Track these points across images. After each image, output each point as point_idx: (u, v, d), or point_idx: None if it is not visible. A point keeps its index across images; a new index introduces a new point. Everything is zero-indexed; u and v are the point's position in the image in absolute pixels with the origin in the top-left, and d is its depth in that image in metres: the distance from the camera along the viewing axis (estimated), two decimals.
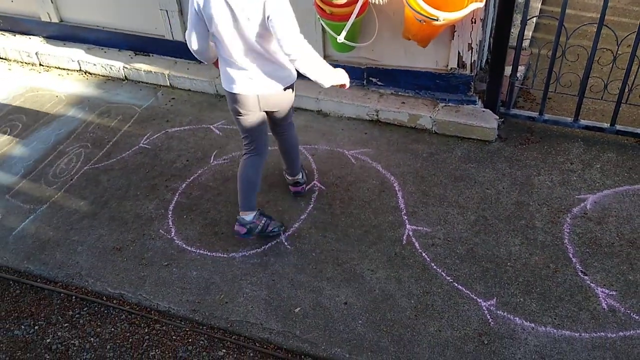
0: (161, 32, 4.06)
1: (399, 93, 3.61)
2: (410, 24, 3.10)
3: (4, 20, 4.49)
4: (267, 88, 2.58)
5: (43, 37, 4.43)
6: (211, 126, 3.69)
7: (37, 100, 4.02)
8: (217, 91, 3.94)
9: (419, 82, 3.52)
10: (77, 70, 4.27)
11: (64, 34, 4.35)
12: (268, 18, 2.30)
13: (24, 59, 4.37)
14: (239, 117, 2.67)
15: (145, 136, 3.64)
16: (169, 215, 3.09)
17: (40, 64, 4.36)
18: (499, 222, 2.89)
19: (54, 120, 3.83)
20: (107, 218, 3.10)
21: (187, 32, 2.49)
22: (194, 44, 2.49)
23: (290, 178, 3.09)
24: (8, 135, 3.72)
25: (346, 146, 3.44)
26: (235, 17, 2.31)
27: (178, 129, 3.69)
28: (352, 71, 3.64)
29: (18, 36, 4.49)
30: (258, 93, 2.58)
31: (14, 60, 4.42)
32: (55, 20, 4.29)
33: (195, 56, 2.57)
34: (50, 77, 4.24)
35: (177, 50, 4.06)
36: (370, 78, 3.63)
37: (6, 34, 4.52)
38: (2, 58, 4.45)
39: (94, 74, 4.23)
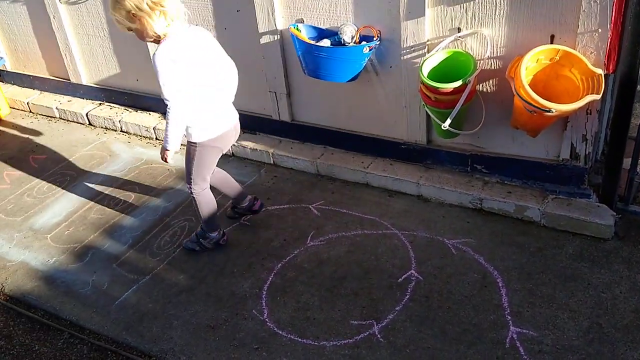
0: (269, 113, 4.21)
1: (505, 182, 3.46)
2: (519, 113, 3.00)
3: (129, 97, 4.87)
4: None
5: (161, 113, 4.73)
6: (310, 206, 3.71)
7: (151, 173, 4.25)
8: (317, 171, 3.98)
9: (527, 172, 3.37)
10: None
11: None
12: None
13: (143, 132, 4.68)
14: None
15: None
16: (263, 295, 3.08)
17: (156, 138, 4.64)
18: (615, 331, 2.61)
19: (164, 193, 4.01)
20: (203, 294, 3.14)
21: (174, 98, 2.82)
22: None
23: (244, 205, 3.54)
24: (121, 205, 3.94)
25: (447, 235, 3.31)
26: None
27: (278, 207, 3.74)
28: (455, 157, 3.56)
29: (140, 112, 4.83)
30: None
31: (134, 134, 4.74)
32: None
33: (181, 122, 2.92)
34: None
35: (282, 129, 4.18)
36: (475, 165, 3.52)
37: (130, 109, 4.88)
38: (123, 131, 4.79)
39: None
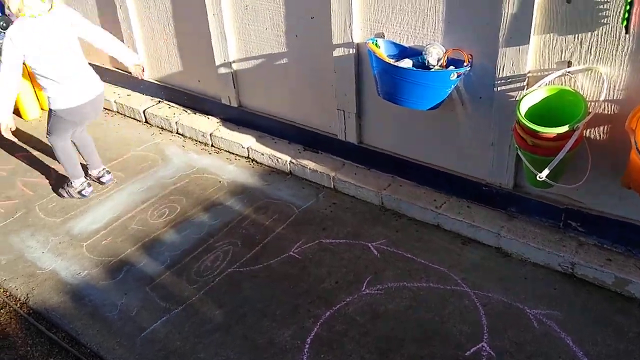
0: (334, 131, 3.80)
1: (605, 246, 2.92)
2: (636, 172, 2.46)
3: (189, 98, 4.57)
4: None
5: (220, 118, 4.41)
6: (370, 244, 3.28)
7: (201, 184, 3.93)
8: (382, 203, 3.54)
9: (633, 238, 2.82)
10: (245, 157, 4.15)
11: (240, 118, 4.30)
12: None
13: (199, 138, 4.37)
14: None
15: (298, 243, 3.32)
16: (305, 350, 2.67)
17: (212, 145, 4.32)
18: None
19: (212, 208, 3.68)
20: (239, 336, 2.77)
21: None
22: None
23: (95, 172, 3.96)
24: (164, 217, 3.63)
25: (528, 302, 2.81)
26: None
27: (333, 240, 3.33)
28: (547, 209, 3.05)
29: (198, 114, 4.52)
30: None
31: (190, 138, 4.44)
32: (234, 104, 4.26)
33: None
34: (218, 161, 4.16)
35: (347, 151, 3.77)
36: (569, 221, 2.99)
37: (188, 111, 4.59)
38: (179, 134, 4.50)
39: (260, 164, 4.07)
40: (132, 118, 4.78)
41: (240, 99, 4.25)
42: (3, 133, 3.39)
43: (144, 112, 4.68)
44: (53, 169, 4.21)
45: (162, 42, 4.48)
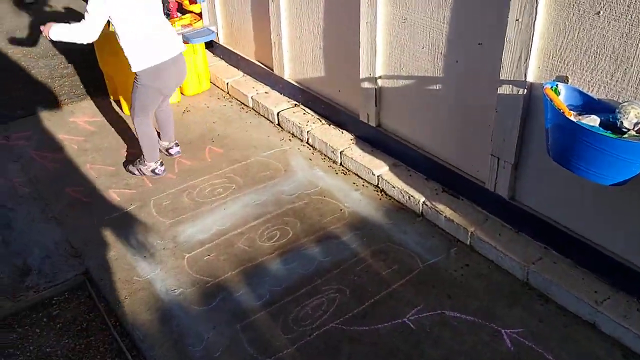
0: (481, 178, 3.21)
1: None
2: None
3: (326, 106, 4.18)
4: None
5: (355, 135, 3.98)
6: (503, 331, 2.68)
7: (320, 208, 3.53)
8: (527, 279, 2.91)
9: None
10: (374, 186, 3.69)
11: (376, 139, 3.83)
12: None
13: (328, 153, 3.98)
14: None
15: (415, 309, 2.81)
16: None
17: (340, 164, 3.90)
18: None
19: (326, 241, 3.27)
20: None
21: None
22: None
23: (166, 143, 4.04)
24: (274, 241, 3.28)
25: None
26: None
27: (458, 315, 2.78)
28: None
29: (332, 127, 4.12)
30: None
31: (319, 151, 4.06)
32: (372, 123, 3.80)
33: None
34: (344, 183, 3.74)
35: (493, 205, 3.17)
36: None
37: (323, 120, 4.20)
38: (309, 144, 4.13)
39: (389, 196, 3.59)
40: (265, 118, 4.50)
41: (379, 119, 3.78)
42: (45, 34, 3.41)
43: (277, 114, 4.37)
44: (179, 160, 4.04)
45: (309, 43, 4.12)
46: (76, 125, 4.50)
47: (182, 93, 4.82)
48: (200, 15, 4.74)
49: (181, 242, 3.32)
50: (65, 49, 5.64)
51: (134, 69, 3.48)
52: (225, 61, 5.13)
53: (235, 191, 3.72)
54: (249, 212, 3.53)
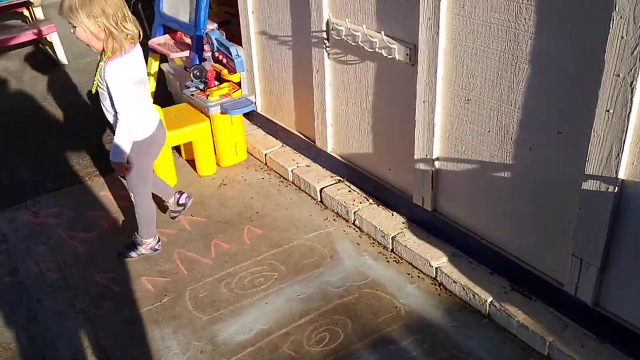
0: (559, 278, 2.85)
1: None
2: None
3: (374, 185, 3.88)
4: None
5: (407, 218, 3.66)
6: None
7: (372, 304, 3.19)
8: None
9: None
10: (431, 278, 3.34)
11: (432, 225, 3.50)
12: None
13: (378, 237, 3.65)
14: None
15: None
16: None
17: (392, 251, 3.57)
18: None
19: (381, 347, 2.91)
20: None
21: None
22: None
23: (171, 200, 3.92)
24: (322, 345, 2.94)
25: None
26: None
27: None
28: None
29: (381, 207, 3.81)
30: None
31: (367, 234, 3.74)
32: (427, 207, 3.48)
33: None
34: (397, 274, 3.40)
35: (575, 310, 2.79)
36: None
37: (371, 200, 3.89)
38: (356, 226, 3.82)
39: (450, 292, 3.23)
40: (306, 193, 4.21)
41: (436, 203, 3.46)
42: (120, 175, 3.45)
43: (320, 191, 4.08)
44: (216, 243, 3.76)
45: (356, 117, 3.86)
46: (108, 200, 4.26)
47: (217, 164, 4.57)
48: (238, 84, 4.53)
49: (220, 344, 3.00)
50: (98, 116, 5.48)
51: (138, 138, 3.34)
52: (263, 130, 4.89)
53: (277, 281, 3.40)
54: (293, 308, 3.20)
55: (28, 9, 7.46)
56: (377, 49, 3.41)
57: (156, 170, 4.28)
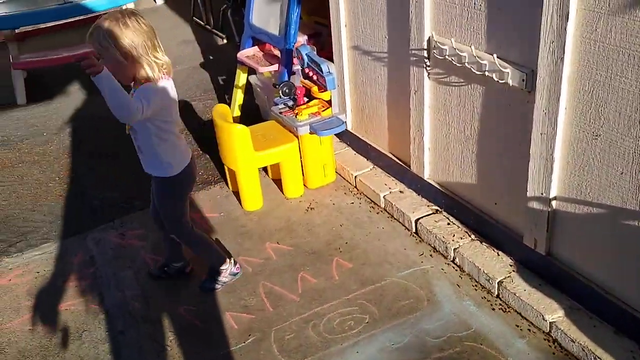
0: None
1: None
2: None
3: (477, 219, 3.52)
4: None
5: (515, 261, 3.27)
6: None
7: None
8: None
9: None
10: (544, 332, 2.95)
11: (545, 271, 3.11)
12: None
13: (481, 280, 3.29)
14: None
15: None
16: None
17: (497, 297, 3.20)
18: None
19: None
20: None
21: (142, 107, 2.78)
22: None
23: (178, 265, 3.60)
24: None
25: None
26: None
27: None
28: None
29: (485, 245, 3.44)
30: None
31: (468, 275, 3.38)
32: (540, 250, 3.08)
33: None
34: (504, 325, 3.03)
35: None
36: None
37: (473, 235, 3.53)
38: (456, 264, 3.47)
39: (567, 352, 2.83)
40: (399, 222, 3.90)
41: (551, 246, 3.06)
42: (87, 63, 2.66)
43: (416, 222, 3.75)
44: (303, 276, 3.53)
45: (458, 144, 3.50)
46: (193, 221, 4.13)
47: (305, 185, 4.35)
48: (328, 102, 4.28)
49: None
50: (188, 127, 5.42)
51: (173, 173, 3.12)
52: (353, 149, 4.62)
53: (369, 326, 3.12)
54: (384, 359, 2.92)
55: None
56: (486, 72, 3.05)
57: (243, 191, 4.13)
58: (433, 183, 3.82)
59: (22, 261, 3.91)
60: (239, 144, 3.97)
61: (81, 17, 7.03)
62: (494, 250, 3.39)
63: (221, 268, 3.46)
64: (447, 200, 3.73)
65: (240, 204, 4.24)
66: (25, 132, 5.79)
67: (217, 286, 3.48)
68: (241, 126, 3.96)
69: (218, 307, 3.37)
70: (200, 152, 5.04)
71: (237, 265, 3.54)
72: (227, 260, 3.49)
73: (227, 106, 4.45)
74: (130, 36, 2.74)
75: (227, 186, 4.48)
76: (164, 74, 2.92)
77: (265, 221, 4.07)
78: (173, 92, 3.01)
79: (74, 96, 6.54)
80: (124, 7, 7.04)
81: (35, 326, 3.37)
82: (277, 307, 3.33)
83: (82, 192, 4.67)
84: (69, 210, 4.41)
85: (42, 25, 7.17)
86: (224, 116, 4.20)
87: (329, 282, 3.47)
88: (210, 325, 3.26)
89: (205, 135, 5.28)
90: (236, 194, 4.34)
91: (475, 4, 3.06)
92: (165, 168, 3.11)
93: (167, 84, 2.96)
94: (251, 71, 5.32)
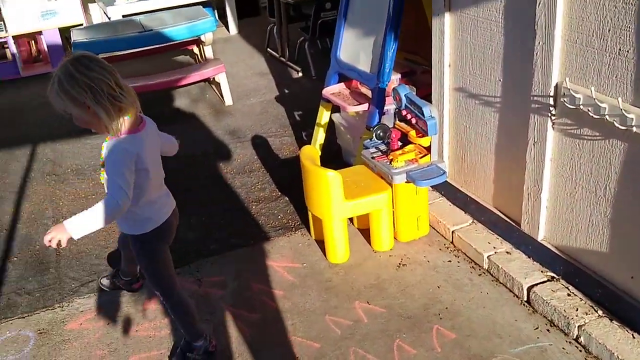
0: None
1: None
2: None
3: (605, 293, 3.05)
4: None
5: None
6: None
7: None
8: None
9: None
10: None
11: None
12: None
13: None
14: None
15: None
16: None
17: None
18: None
19: None
20: None
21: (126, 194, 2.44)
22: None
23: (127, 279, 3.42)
24: None
25: None
26: None
27: None
28: None
29: (616, 324, 2.96)
30: None
31: (595, 358, 2.90)
32: None
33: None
34: None
35: None
36: None
37: (600, 310, 3.06)
38: (580, 344, 3.00)
39: None
40: (507, 288, 3.46)
41: None
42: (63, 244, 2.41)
43: (528, 289, 3.31)
44: (399, 345, 3.13)
45: (587, 205, 3.06)
46: (274, 271, 3.82)
47: (395, 238, 3.97)
48: (426, 149, 3.91)
49: None
50: (265, 165, 5.16)
51: (146, 230, 2.73)
52: (448, 200, 4.22)
53: None
54: None
55: (198, 46, 7.51)
56: (634, 128, 2.63)
57: (329, 242, 3.80)
58: (549, 246, 3.37)
59: (94, 304, 3.66)
60: (330, 191, 3.64)
61: (160, 45, 6.96)
62: (627, 331, 2.91)
63: (196, 342, 3.03)
64: (566, 267, 3.27)
65: (325, 255, 3.90)
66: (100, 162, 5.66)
67: None
68: (333, 172, 3.63)
69: None
70: (279, 193, 4.74)
71: (213, 344, 3.11)
72: (205, 336, 3.06)
73: (316, 149, 4.16)
74: (85, 86, 2.36)
75: (310, 234, 4.15)
76: (133, 120, 2.54)
77: (353, 276, 3.71)
78: (149, 144, 2.61)
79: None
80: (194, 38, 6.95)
81: None
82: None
83: None
84: None
85: (118, 53, 7.13)
86: (313, 159, 3.90)
87: (431, 355, 3.05)
88: None
89: (284, 176, 5.00)
90: (319, 242, 4.01)
91: (621, 50, 2.65)
92: (141, 225, 2.76)
93: (142, 133, 2.57)
94: (334, 109, 5.04)
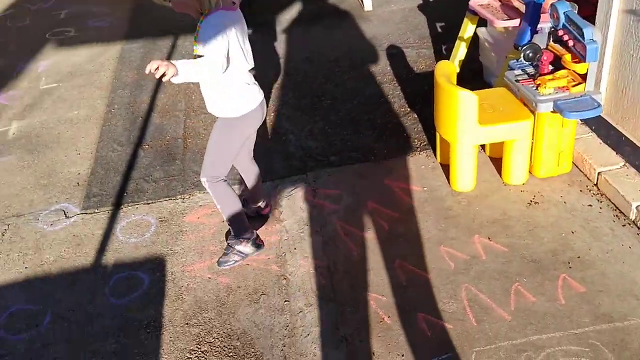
0: None
1: None
2: None
3: None
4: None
5: None
6: None
7: None
8: None
9: None
10: None
11: None
12: None
13: None
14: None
15: None
16: None
17: None
18: None
19: None
20: None
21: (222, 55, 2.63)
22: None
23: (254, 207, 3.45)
24: None
25: None
26: None
27: None
28: None
29: None
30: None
31: None
32: None
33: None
34: None
35: None
36: None
37: None
38: None
39: None
40: None
41: None
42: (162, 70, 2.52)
43: None
44: (517, 289, 2.88)
45: None
46: (392, 192, 3.64)
47: (530, 172, 3.60)
48: (582, 76, 3.40)
49: None
50: (397, 78, 4.86)
51: (236, 114, 2.89)
52: (599, 137, 3.71)
53: None
54: None
55: None
56: None
57: (455, 167, 3.53)
58: None
59: (212, 200, 3.73)
60: (463, 113, 3.32)
61: None
62: None
63: (243, 236, 3.16)
64: None
65: (449, 181, 3.64)
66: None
67: (236, 259, 3.18)
68: (469, 92, 3.29)
69: (411, 304, 2.87)
70: (408, 109, 4.47)
71: (260, 239, 3.25)
72: (252, 231, 3.20)
73: (453, 65, 3.79)
74: None
75: (435, 156, 3.88)
76: (230, 4, 2.74)
77: (476, 208, 3.44)
78: (239, 27, 2.78)
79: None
80: None
81: (215, 275, 3.18)
82: (481, 322, 2.74)
83: (283, 136, 4.37)
84: (266, 154, 4.12)
85: None
86: (448, 76, 3.55)
87: (552, 306, 2.77)
88: (398, 325, 2.78)
89: (416, 91, 4.69)
90: (445, 167, 3.74)
91: None
92: (230, 107, 2.91)
93: (234, 14, 2.76)
94: (481, 22, 4.55)
